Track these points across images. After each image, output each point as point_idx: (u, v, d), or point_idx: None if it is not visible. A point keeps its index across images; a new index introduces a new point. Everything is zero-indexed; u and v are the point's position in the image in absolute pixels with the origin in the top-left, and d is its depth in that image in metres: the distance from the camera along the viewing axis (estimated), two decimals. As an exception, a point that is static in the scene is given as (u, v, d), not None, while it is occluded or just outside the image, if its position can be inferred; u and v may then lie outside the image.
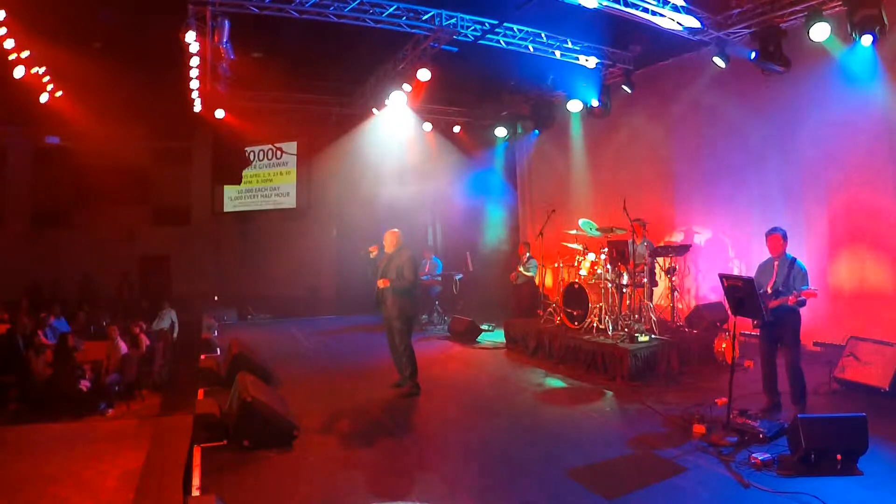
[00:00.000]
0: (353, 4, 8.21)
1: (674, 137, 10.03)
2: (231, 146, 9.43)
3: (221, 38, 7.73)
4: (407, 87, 10.00)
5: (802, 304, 5.26)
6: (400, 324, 6.55)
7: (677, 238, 9.82)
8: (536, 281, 10.57)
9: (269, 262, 16.31)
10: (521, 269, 10.61)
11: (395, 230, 6.76)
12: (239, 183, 12.33)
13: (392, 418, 5.98)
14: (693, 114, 9.61)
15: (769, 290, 5.42)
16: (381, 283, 6.47)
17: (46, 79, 10.25)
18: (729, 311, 5.61)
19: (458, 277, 12.27)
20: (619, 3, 7.59)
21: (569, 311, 8.45)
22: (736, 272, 8.67)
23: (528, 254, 10.74)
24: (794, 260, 5.46)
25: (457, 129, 13.76)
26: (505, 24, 9.00)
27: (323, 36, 9.24)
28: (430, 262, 11.51)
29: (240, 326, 12.46)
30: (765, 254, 5.72)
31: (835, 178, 7.73)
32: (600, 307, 8.03)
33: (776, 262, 5.53)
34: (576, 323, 8.27)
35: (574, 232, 9.11)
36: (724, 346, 7.59)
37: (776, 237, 5.53)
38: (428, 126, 13.15)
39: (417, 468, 4.69)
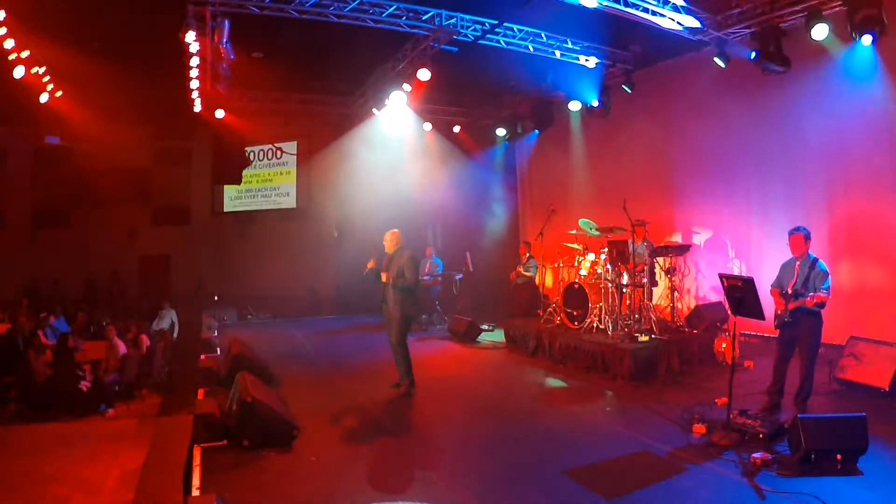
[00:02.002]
0: (353, 4, 8.22)
1: (674, 137, 10.03)
2: (231, 146, 9.42)
3: (221, 38, 7.74)
4: (407, 86, 10.00)
5: (821, 305, 5.16)
6: (399, 323, 6.56)
7: (677, 238, 9.83)
8: (536, 281, 10.58)
9: (269, 262, 16.31)
10: (521, 268, 10.62)
11: (396, 230, 6.77)
12: (239, 183, 12.29)
13: (392, 418, 5.98)
14: (693, 113, 9.61)
15: (789, 291, 5.35)
16: (383, 276, 6.51)
17: (46, 79, 10.25)
18: (729, 311, 5.59)
19: (458, 277, 12.27)
20: (619, 3, 7.59)
21: (569, 311, 8.45)
22: (736, 272, 8.67)
23: (528, 254, 10.74)
24: (815, 260, 5.36)
25: (457, 129, 13.78)
26: (505, 24, 9.00)
27: (323, 36, 9.24)
28: (431, 261, 11.51)
29: (240, 326, 12.44)
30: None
31: (835, 177, 7.74)
32: (600, 307, 8.03)
33: (798, 262, 5.44)
34: (576, 323, 8.27)
35: (574, 232, 9.12)
36: (724, 346, 7.59)
37: (798, 236, 5.42)
38: (428, 126, 13.15)
39: (417, 467, 4.69)
